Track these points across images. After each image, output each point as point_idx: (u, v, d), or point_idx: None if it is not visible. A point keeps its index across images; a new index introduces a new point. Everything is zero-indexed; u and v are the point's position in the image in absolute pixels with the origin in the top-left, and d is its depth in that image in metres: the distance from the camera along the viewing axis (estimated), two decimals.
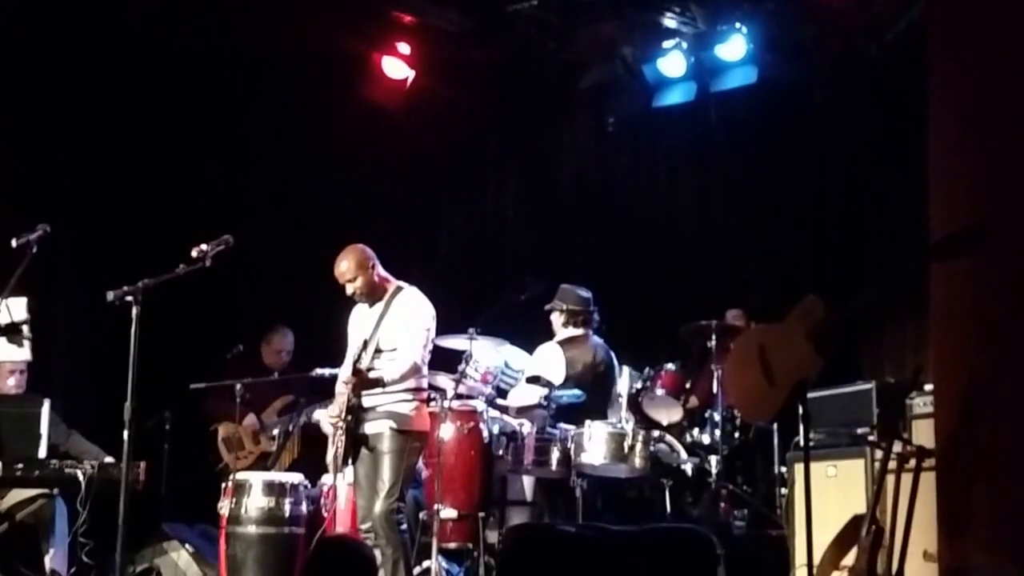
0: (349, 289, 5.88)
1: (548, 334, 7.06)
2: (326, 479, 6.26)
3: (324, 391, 6.48)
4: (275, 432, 7.41)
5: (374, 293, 5.89)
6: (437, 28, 8.50)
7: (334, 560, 4.37)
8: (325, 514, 6.07)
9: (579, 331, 6.98)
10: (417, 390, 5.82)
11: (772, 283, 8.37)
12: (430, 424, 5.96)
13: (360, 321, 5.97)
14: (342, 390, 5.74)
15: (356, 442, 5.71)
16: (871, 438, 5.34)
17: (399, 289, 5.93)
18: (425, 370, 5.89)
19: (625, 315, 7.53)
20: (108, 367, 5.80)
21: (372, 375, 5.68)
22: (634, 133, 9.19)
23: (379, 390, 5.70)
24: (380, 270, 5.92)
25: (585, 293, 7.06)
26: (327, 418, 5.83)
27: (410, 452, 5.73)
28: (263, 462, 7.33)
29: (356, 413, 5.69)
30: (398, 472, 5.65)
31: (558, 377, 6.68)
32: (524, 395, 6.69)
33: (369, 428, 5.74)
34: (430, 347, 5.89)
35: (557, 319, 7.05)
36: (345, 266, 5.85)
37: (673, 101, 8.55)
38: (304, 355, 7.73)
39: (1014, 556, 3.74)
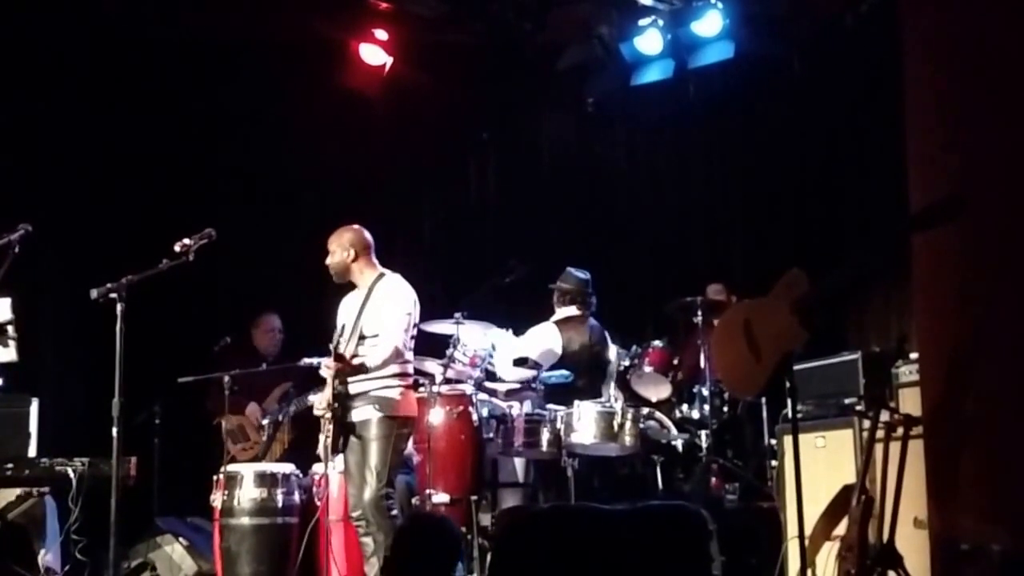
0: (327, 260, 5.90)
1: (534, 316, 7.08)
2: (317, 468, 6.27)
3: (318, 379, 6.48)
4: (265, 422, 7.40)
5: (344, 275, 5.91)
6: (413, 13, 8.47)
7: (426, 535, 4.43)
8: (318, 503, 6.09)
9: (576, 312, 7.01)
10: (402, 375, 5.81)
11: (755, 257, 8.39)
12: (419, 409, 5.97)
13: (347, 309, 5.97)
14: (326, 374, 5.73)
15: (345, 430, 5.72)
16: (858, 408, 5.35)
17: (381, 276, 5.93)
18: (409, 355, 5.87)
19: (610, 293, 7.53)
20: (95, 364, 5.79)
21: (354, 361, 5.69)
22: (613, 112, 9.16)
23: (364, 376, 5.70)
24: (364, 258, 5.90)
25: (583, 275, 7.10)
26: (317, 405, 5.83)
27: (398, 438, 5.72)
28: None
29: (343, 401, 5.70)
30: (386, 458, 5.65)
31: (552, 356, 6.71)
32: (514, 370, 6.72)
33: (356, 416, 5.74)
34: (413, 332, 5.88)
35: (556, 299, 7.09)
36: (333, 238, 5.89)
37: (651, 79, 8.52)
38: (293, 344, 7.73)
39: (1002, 520, 3.77)
